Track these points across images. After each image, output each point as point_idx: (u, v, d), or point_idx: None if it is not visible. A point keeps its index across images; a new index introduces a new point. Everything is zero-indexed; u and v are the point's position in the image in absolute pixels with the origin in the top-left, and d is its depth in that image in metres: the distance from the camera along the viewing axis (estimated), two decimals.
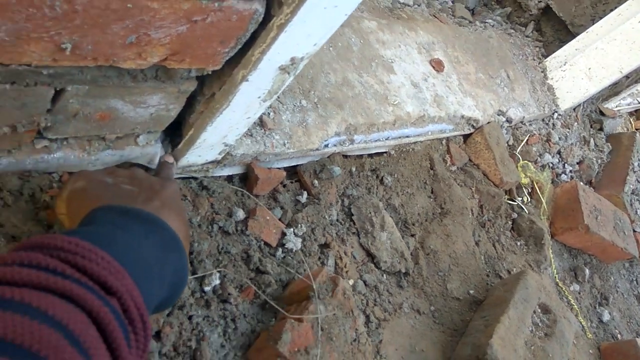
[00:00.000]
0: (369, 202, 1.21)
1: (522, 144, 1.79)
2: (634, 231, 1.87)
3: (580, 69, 1.96)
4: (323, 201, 1.12)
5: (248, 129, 0.90)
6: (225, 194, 0.98)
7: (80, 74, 0.58)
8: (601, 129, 2.19)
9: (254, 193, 1.01)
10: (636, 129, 2.52)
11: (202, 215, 0.92)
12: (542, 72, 2.03)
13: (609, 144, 2.17)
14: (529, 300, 1.18)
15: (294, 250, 1.00)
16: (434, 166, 1.45)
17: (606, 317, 1.69)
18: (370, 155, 1.29)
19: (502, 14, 2.19)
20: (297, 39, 0.65)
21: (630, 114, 2.61)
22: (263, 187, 1.02)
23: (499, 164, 1.57)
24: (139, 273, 0.44)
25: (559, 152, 1.92)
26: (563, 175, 1.88)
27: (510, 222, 1.60)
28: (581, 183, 1.78)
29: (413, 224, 1.33)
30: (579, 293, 1.69)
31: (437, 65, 1.54)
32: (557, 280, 1.62)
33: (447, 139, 1.54)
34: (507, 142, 1.76)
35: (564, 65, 2.00)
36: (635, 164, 2.04)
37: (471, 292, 1.31)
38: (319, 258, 1.06)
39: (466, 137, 1.61)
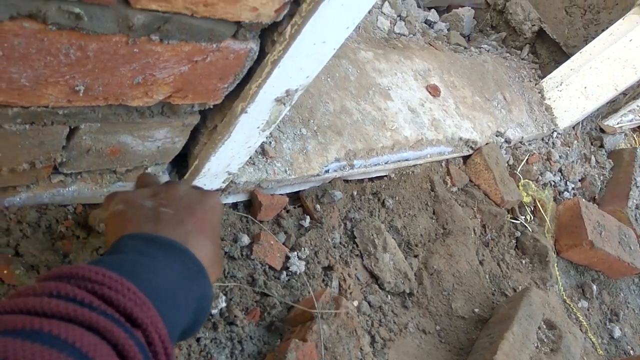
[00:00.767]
0: (371, 225, 1.24)
1: (523, 163, 1.82)
2: None
3: (577, 88, 2.00)
4: (326, 225, 1.16)
5: (250, 158, 0.95)
6: (230, 220, 1.02)
7: (93, 112, 0.64)
8: (602, 146, 2.21)
9: (258, 219, 1.05)
10: None
11: None
12: (539, 92, 2.08)
13: (610, 160, 2.19)
14: (533, 316, 1.19)
15: (298, 273, 1.04)
16: (435, 188, 1.48)
17: (617, 333, 1.68)
18: (371, 179, 1.33)
19: (497, 39, 2.26)
20: (290, 73, 0.70)
21: (634, 130, 2.64)
22: (267, 213, 1.06)
23: (499, 184, 1.60)
24: (163, 303, 0.45)
25: (560, 170, 1.95)
26: (565, 192, 1.91)
27: (514, 241, 1.62)
28: (583, 200, 1.80)
29: (416, 245, 1.36)
30: (588, 310, 1.69)
31: (434, 91, 1.59)
32: (565, 297, 1.62)
33: (447, 160, 1.58)
34: (507, 162, 1.79)
35: (560, 85, 2.05)
36: (638, 179, 2.06)
37: (476, 310, 1.33)
38: (323, 280, 1.09)
39: (465, 158, 1.64)
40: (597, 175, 2.05)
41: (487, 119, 1.73)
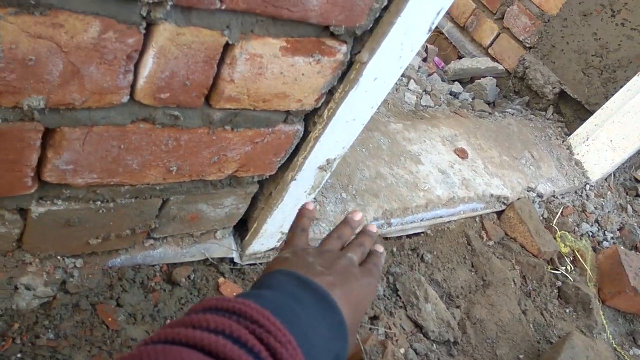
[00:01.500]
0: (412, 278, 1.35)
1: (558, 216, 1.90)
2: None
3: (603, 142, 2.10)
4: None
5: None
6: None
7: (180, 187, 0.83)
8: (638, 196, 2.25)
9: None
10: None
11: None
12: (567, 149, 2.19)
13: None
14: (575, 359, 1.24)
15: None
16: (471, 242, 1.59)
17: None
18: (409, 236, 1.46)
19: (521, 103, 2.42)
20: (329, 146, 0.88)
21: None
22: None
23: (535, 236, 1.69)
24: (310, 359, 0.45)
25: (597, 221, 2.00)
26: (605, 242, 1.95)
27: (556, 291, 1.67)
28: (622, 247, 1.83)
29: (457, 297, 1.44)
30: None
31: (462, 154, 1.74)
32: (615, 345, 1.63)
33: (481, 216, 1.69)
34: (542, 216, 1.87)
35: (587, 140, 2.15)
36: None
37: (521, 357, 1.38)
38: (370, 329, 1.20)
39: (499, 214, 1.75)
40: (636, 224, 2.08)
41: (517, 176, 1.84)
